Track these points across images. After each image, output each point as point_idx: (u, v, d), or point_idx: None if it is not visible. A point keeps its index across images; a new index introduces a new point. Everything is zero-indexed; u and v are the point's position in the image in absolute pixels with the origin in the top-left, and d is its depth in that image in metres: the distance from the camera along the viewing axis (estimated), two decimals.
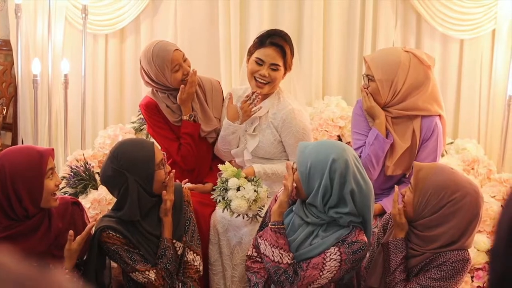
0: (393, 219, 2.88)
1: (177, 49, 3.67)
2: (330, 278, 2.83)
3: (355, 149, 3.50)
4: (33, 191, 2.82)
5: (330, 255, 2.80)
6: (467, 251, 2.83)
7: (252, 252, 3.09)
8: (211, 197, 3.36)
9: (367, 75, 3.45)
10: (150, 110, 3.75)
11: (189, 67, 3.69)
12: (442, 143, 3.52)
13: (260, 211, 3.31)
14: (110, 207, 3.88)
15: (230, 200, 3.26)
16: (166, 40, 4.01)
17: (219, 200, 3.30)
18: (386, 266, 2.87)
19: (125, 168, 2.96)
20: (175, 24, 4.89)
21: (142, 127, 4.44)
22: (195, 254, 3.16)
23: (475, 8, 4.59)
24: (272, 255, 2.83)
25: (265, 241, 2.86)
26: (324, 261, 2.80)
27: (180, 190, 3.17)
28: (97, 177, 4.04)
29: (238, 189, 3.26)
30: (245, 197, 3.24)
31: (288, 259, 2.82)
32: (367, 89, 3.44)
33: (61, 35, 4.74)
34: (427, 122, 3.44)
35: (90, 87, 4.88)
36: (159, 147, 3.28)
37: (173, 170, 3.14)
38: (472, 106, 4.73)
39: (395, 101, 3.42)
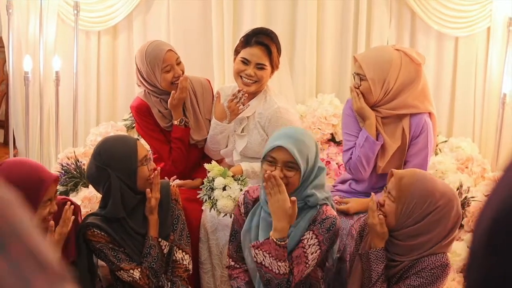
0: (372, 229, 2.78)
1: (171, 50, 3.62)
2: (316, 262, 2.82)
3: (346, 150, 3.50)
4: None
5: (308, 241, 2.79)
6: (446, 255, 2.76)
7: (230, 263, 3.08)
8: (197, 196, 3.34)
9: (357, 74, 3.41)
10: (141, 112, 3.73)
11: (182, 71, 3.65)
12: (433, 141, 3.49)
13: None
14: None
15: (216, 200, 3.25)
16: (161, 40, 3.98)
17: (206, 200, 3.29)
18: (366, 277, 2.79)
19: (107, 165, 2.93)
20: (168, 20, 4.85)
21: (134, 125, 4.40)
22: (184, 253, 3.13)
23: (470, 5, 4.56)
24: (277, 268, 2.75)
25: (266, 252, 2.77)
26: (305, 250, 2.79)
27: (167, 188, 3.13)
28: None
29: (224, 189, 3.25)
30: (231, 197, 3.23)
31: (287, 267, 2.77)
32: (358, 88, 3.40)
33: (53, 32, 4.71)
34: (416, 120, 3.41)
35: (82, 84, 4.86)
36: (146, 145, 3.22)
37: (158, 168, 3.09)
38: (467, 104, 4.71)
39: (386, 99, 3.39)
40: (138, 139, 3.13)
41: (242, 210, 3.07)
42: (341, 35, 4.73)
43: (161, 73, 3.57)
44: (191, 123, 3.72)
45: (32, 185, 2.70)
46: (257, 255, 2.80)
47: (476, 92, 4.68)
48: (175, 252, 3.11)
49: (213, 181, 3.27)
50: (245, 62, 3.53)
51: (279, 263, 2.74)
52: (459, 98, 4.71)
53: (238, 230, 3.04)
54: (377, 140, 3.38)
